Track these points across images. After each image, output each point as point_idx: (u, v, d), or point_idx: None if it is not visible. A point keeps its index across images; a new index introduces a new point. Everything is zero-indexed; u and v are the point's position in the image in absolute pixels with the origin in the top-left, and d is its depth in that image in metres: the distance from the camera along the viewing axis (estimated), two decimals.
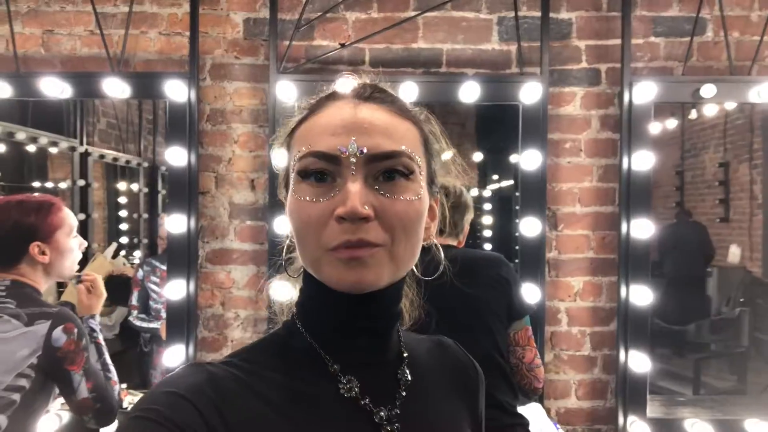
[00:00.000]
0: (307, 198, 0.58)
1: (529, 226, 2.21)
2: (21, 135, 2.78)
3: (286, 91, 2.18)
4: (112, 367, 1.66)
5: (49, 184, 3.09)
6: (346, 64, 2.31)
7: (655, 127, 2.19)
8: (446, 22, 2.33)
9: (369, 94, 0.63)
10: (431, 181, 0.66)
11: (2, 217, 1.53)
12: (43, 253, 1.55)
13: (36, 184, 3.10)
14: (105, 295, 1.73)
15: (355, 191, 0.56)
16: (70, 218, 1.61)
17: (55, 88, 2.15)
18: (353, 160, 0.57)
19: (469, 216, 1.82)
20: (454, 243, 1.78)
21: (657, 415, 2.19)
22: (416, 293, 0.74)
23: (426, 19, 2.32)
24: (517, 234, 2.24)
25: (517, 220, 2.25)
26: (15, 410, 1.40)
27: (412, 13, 2.30)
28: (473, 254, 1.79)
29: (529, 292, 2.17)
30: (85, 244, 1.68)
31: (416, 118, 0.66)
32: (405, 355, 0.69)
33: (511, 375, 1.66)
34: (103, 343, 1.69)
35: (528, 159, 2.21)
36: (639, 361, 2.13)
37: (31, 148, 2.91)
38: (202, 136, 2.29)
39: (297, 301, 0.67)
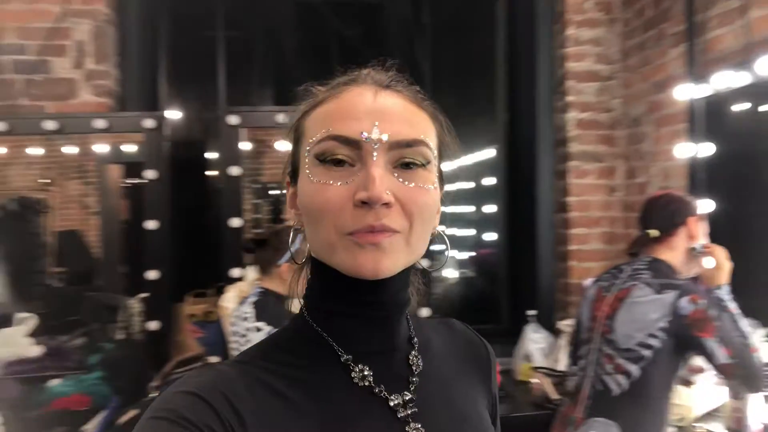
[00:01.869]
0: (326, 181, 0.58)
1: None
2: None
3: None
4: (748, 334, 1.64)
5: None
6: None
7: None
8: None
9: (388, 83, 0.63)
10: (440, 173, 0.66)
11: (677, 202, 1.81)
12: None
13: None
14: (728, 266, 1.74)
15: (378, 176, 0.56)
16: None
17: None
18: (375, 145, 0.57)
19: None
20: None
21: None
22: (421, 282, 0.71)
23: None
24: None
25: None
26: (646, 364, 1.63)
27: None
28: None
29: None
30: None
31: (431, 110, 0.65)
32: (415, 340, 0.68)
33: None
34: (734, 311, 1.69)
35: None
36: None
37: None
38: None
39: (305, 294, 0.67)
